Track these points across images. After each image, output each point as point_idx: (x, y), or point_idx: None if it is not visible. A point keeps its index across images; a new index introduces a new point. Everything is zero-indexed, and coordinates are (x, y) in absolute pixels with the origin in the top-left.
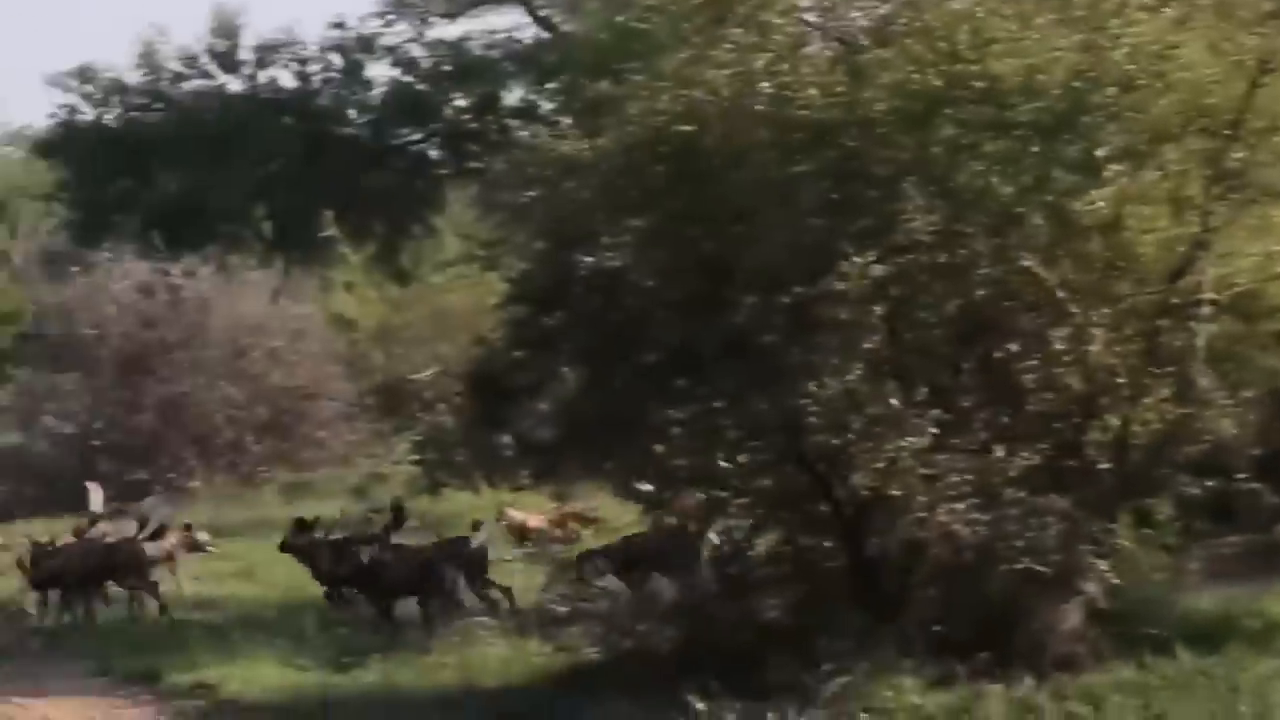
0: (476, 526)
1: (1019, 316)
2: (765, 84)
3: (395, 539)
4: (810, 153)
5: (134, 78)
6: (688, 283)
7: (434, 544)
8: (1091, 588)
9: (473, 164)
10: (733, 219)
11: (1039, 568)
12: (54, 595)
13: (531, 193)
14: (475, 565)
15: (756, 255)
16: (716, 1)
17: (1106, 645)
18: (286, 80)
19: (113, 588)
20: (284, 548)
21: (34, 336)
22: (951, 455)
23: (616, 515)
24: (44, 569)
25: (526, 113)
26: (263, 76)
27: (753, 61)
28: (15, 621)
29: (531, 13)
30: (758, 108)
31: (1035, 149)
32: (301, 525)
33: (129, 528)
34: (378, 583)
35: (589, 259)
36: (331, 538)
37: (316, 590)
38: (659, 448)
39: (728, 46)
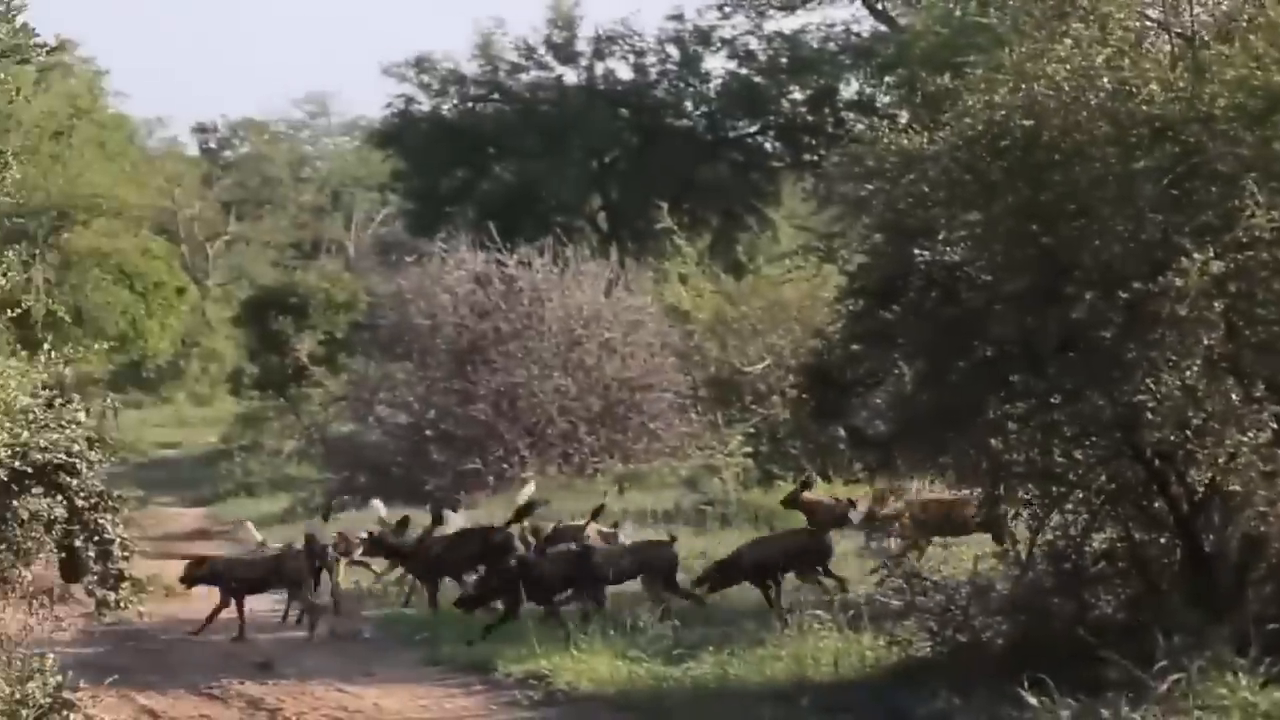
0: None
1: None
2: (1105, 79)
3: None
4: (1150, 148)
5: (471, 68)
6: (1025, 277)
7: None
8: None
9: (808, 156)
10: (1071, 214)
11: None
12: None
13: (870, 185)
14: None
15: (1095, 251)
16: None
17: None
18: (623, 72)
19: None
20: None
21: (368, 326)
22: None
23: None
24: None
25: (862, 106)
26: (599, 68)
27: (1093, 56)
28: (348, 611)
29: (869, 6)
30: (1097, 102)
31: None
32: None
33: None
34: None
35: (926, 253)
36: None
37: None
38: (995, 443)
39: (1068, 41)
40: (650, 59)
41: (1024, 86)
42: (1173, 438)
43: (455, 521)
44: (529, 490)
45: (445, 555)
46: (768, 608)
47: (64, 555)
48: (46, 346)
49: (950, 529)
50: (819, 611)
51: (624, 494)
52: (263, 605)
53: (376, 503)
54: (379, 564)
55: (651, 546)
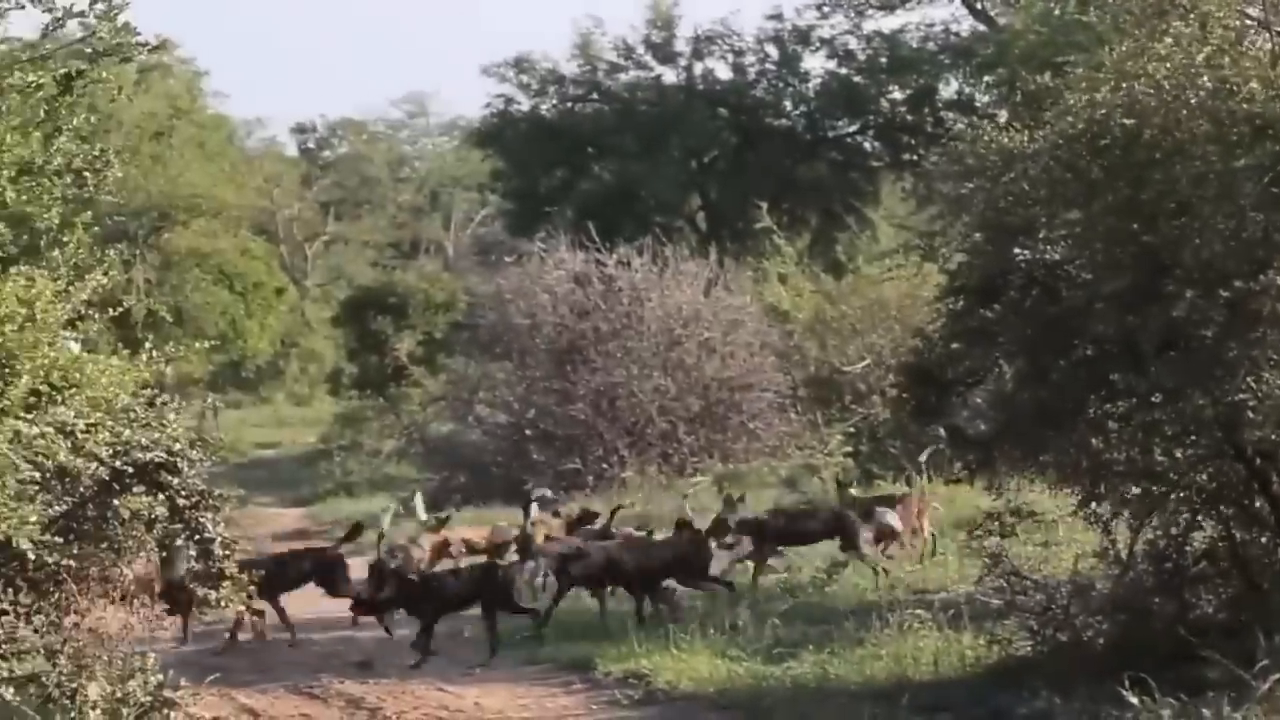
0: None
1: None
2: (1206, 77)
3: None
4: (1250, 146)
5: (570, 68)
6: (1126, 276)
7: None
8: None
9: (907, 156)
10: (1172, 212)
11: None
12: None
13: (970, 184)
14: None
15: (1195, 249)
16: None
17: None
18: (722, 72)
19: None
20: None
21: (467, 326)
22: None
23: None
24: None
25: (961, 105)
26: (698, 68)
27: (1194, 54)
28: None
29: (968, 5)
30: (1198, 101)
31: None
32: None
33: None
34: None
35: (1027, 251)
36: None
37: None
38: (1095, 442)
39: (1168, 39)
40: (749, 58)
41: (1124, 85)
42: (1274, 436)
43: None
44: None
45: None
46: (866, 606)
47: (164, 554)
48: (147, 346)
49: (796, 539)
50: (919, 611)
51: (723, 494)
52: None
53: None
54: None
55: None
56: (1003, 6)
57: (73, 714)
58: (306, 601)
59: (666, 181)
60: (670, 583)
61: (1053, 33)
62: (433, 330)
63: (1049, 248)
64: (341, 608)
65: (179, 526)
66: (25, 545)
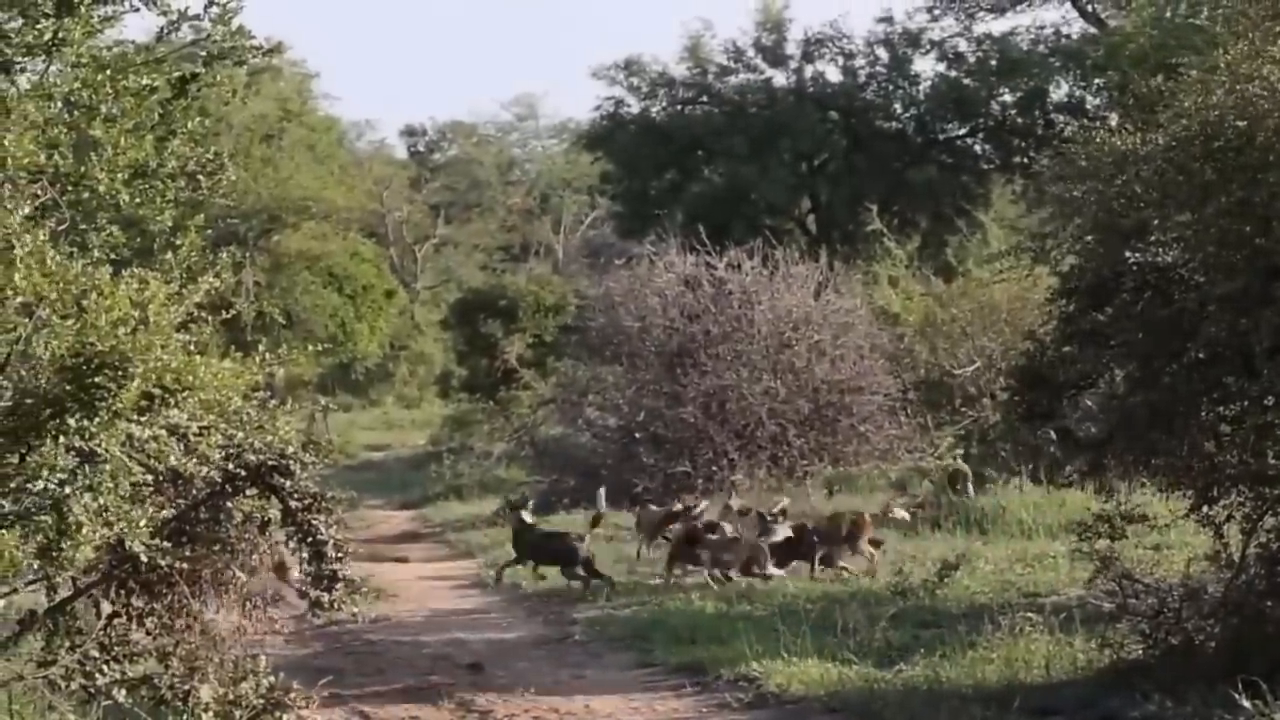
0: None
1: None
2: None
3: None
4: None
5: (679, 71)
6: (1238, 279)
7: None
8: None
9: (1017, 159)
10: None
11: None
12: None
13: (1082, 186)
14: None
15: None
16: None
17: None
18: (832, 74)
19: None
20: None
21: (577, 329)
22: None
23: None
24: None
25: (1072, 108)
26: (808, 70)
27: None
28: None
29: (1078, 8)
30: None
31: None
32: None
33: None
34: None
35: (1139, 254)
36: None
37: (860, 584)
38: (1208, 445)
39: None
40: (859, 61)
41: (1238, 87)
42: None
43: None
44: None
45: None
46: (977, 609)
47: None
48: (258, 349)
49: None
50: (1030, 614)
51: (833, 496)
52: (472, 604)
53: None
54: None
55: None
56: (1113, 9)
57: (185, 716)
58: (418, 602)
59: (776, 184)
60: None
61: (1164, 35)
62: (542, 333)
63: (1161, 250)
64: (453, 607)
65: (291, 529)
66: (138, 548)
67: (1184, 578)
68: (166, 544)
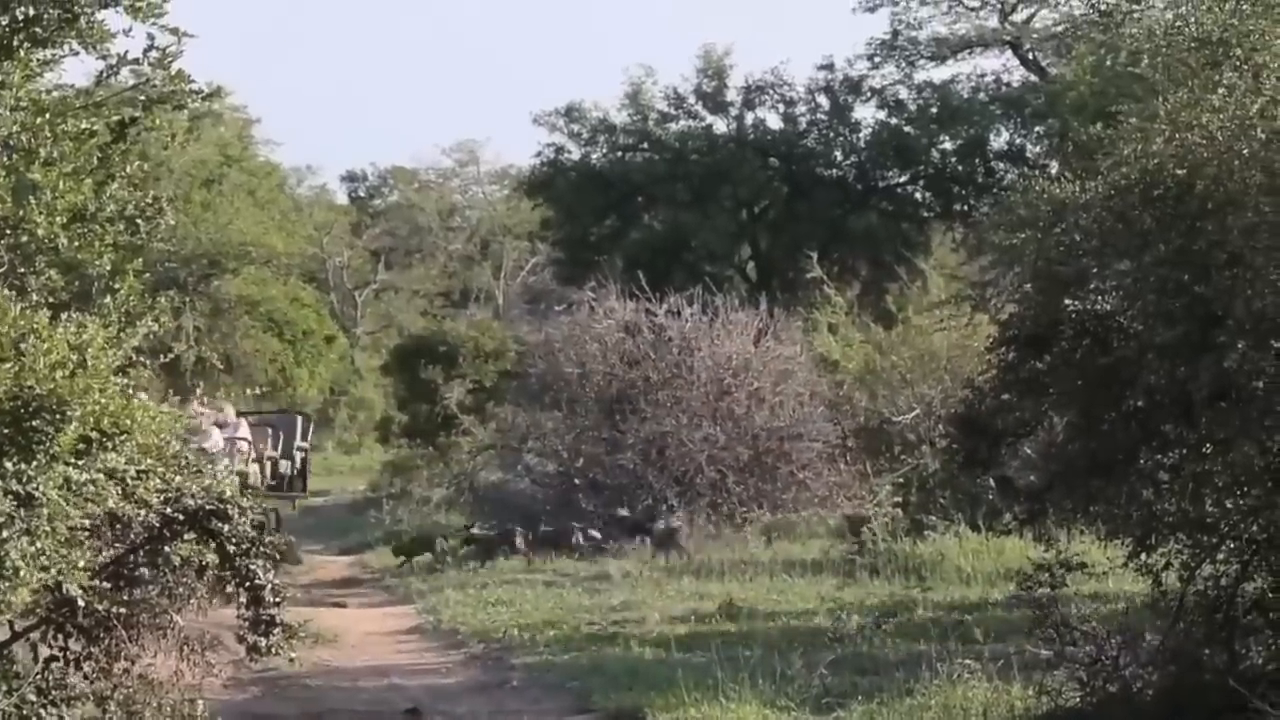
0: None
1: None
2: (1259, 128)
3: None
4: None
5: (620, 118)
6: (1177, 327)
7: None
8: None
9: (958, 206)
10: (1224, 263)
11: None
12: None
13: (1021, 234)
14: None
15: (1247, 300)
16: (1211, 44)
17: None
18: (773, 121)
19: None
20: None
21: (517, 375)
22: None
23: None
24: None
25: (1012, 156)
26: (749, 117)
27: (1247, 106)
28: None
29: (1019, 56)
30: (1250, 152)
31: None
32: None
33: None
34: None
35: (1078, 302)
36: None
37: (799, 628)
38: (1146, 492)
39: (1222, 90)
40: (800, 108)
41: (1178, 136)
42: None
43: None
44: None
45: None
46: (915, 656)
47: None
48: (197, 393)
49: None
50: (968, 661)
51: (771, 544)
52: (410, 649)
53: None
54: None
55: None
56: (1054, 57)
57: None
58: (356, 647)
59: (717, 231)
60: None
61: (1104, 83)
62: (483, 379)
63: (1100, 298)
64: (392, 653)
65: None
66: (75, 591)
67: (1122, 625)
68: (104, 587)
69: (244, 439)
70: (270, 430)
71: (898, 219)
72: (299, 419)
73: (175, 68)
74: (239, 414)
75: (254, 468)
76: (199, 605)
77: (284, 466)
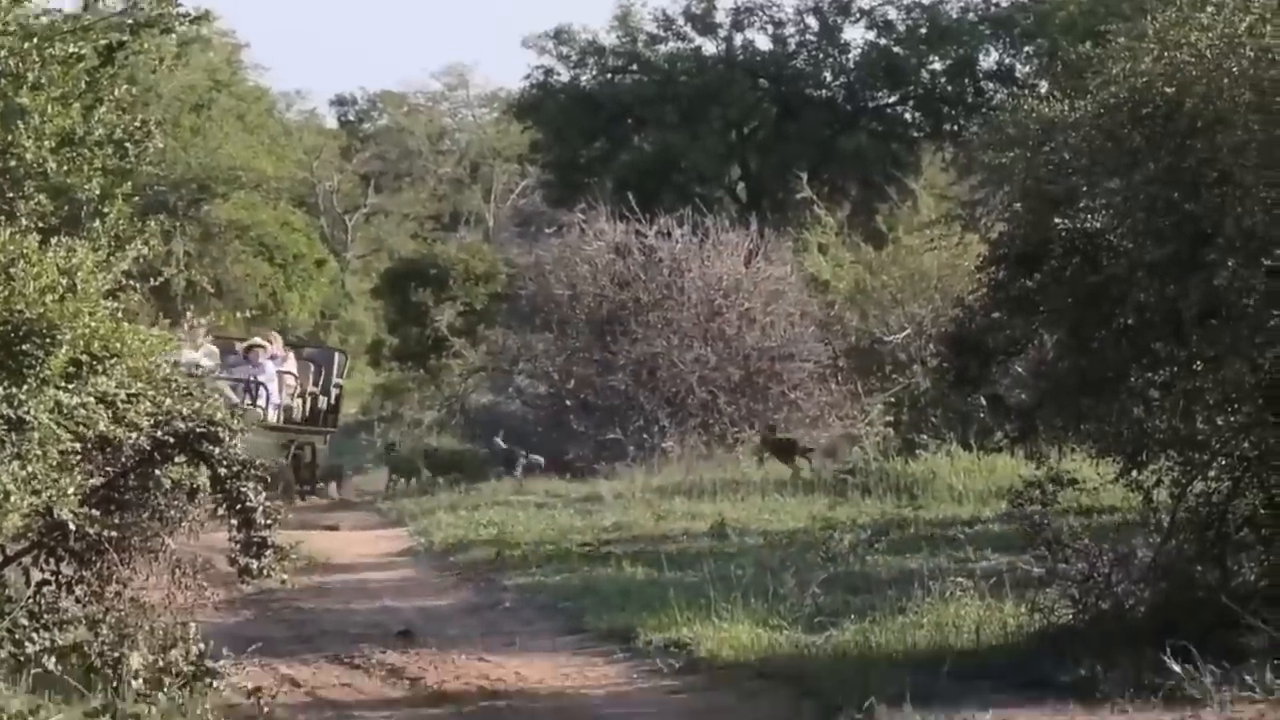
0: None
1: None
2: (1248, 46)
3: None
4: None
5: (610, 40)
6: (1167, 245)
7: None
8: None
9: (947, 126)
10: (1213, 181)
11: None
12: None
13: (1011, 154)
14: None
15: (1237, 218)
16: None
17: None
18: (762, 43)
19: None
20: None
21: (508, 297)
22: None
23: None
24: None
25: (1001, 76)
26: (738, 39)
27: (1236, 23)
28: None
29: None
30: (1240, 70)
31: None
32: None
33: None
34: None
35: (1068, 220)
36: None
37: (791, 547)
38: (1137, 410)
39: (1210, 8)
40: (789, 29)
41: (1166, 54)
42: None
43: None
44: None
45: None
46: (907, 574)
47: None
48: (188, 317)
49: None
50: (961, 579)
51: (763, 463)
52: (402, 572)
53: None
54: None
55: None
56: None
57: (115, 684)
58: (349, 570)
59: (706, 152)
60: None
61: (1093, 2)
62: (473, 302)
63: (1090, 217)
64: (384, 575)
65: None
66: (66, 515)
67: (1114, 543)
68: (95, 512)
69: (291, 372)
70: (312, 366)
71: (887, 139)
72: (337, 355)
73: None
74: (286, 345)
75: (297, 402)
76: (190, 528)
77: (321, 402)
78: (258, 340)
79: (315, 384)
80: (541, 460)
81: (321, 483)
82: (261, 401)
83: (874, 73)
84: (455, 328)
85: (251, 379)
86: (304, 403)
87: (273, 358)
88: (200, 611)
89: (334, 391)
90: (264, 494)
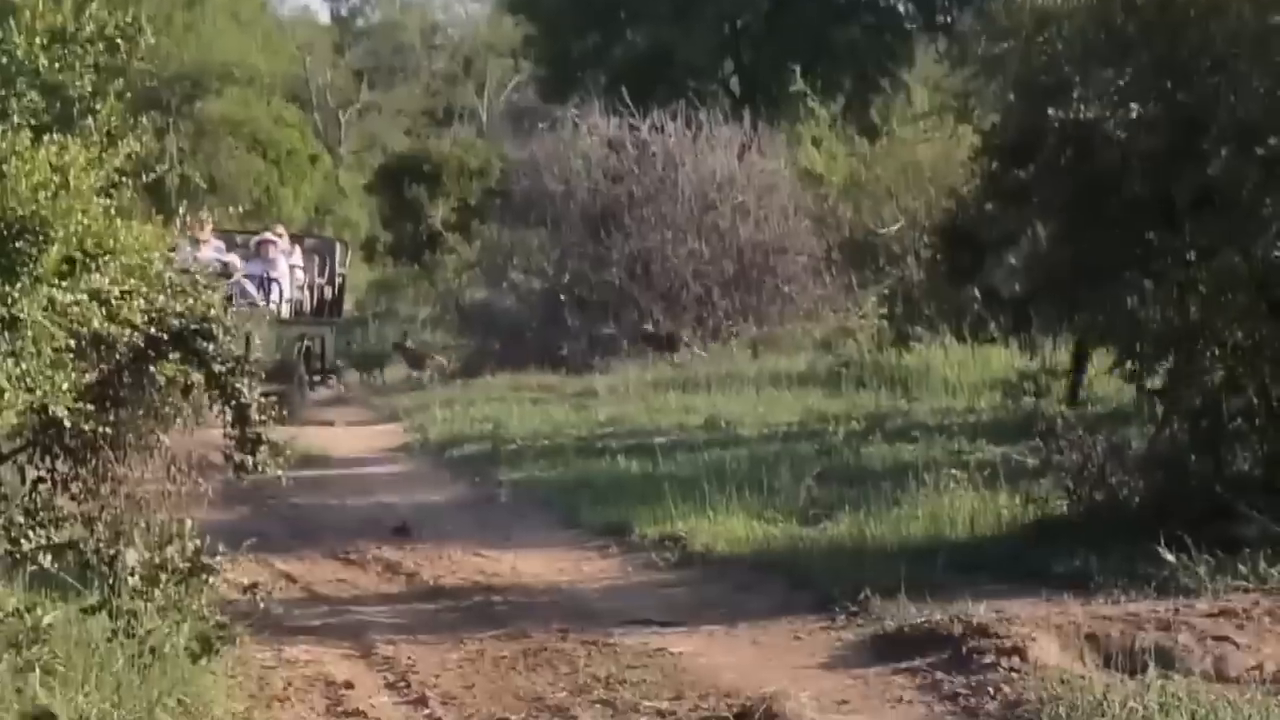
0: None
1: None
2: None
3: None
4: None
5: None
6: (1161, 134)
7: None
8: None
9: (941, 18)
10: (1207, 70)
11: None
12: None
13: (1004, 44)
14: None
15: (1231, 107)
16: None
17: None
18: None
19: None
20: None
21: (501, 193)
22: None
23: None
24: None
25: None
26: None
27: None
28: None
29: None
30: None
31: None
32: None
33: None
34: None
35: (1061, 111)
36: None
37: (785, 439)
38: (1130, 300)
39: None
40: None
41: None
42: None
43: None
44: None
45: None
46: (901, 466)
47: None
48: (181, 213)
49: None
50: (955, 471)
51: (758, 357)
52: (398, 468)
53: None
54: None
55: None
56: None
57: (111, 580)
58: (344, 466)
59: (699, 46)
60: None
61: None
62: (467, 197)
63: (1083, 107)
64: (379, 471)
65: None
66: (61, 412)
67: (1108, 433)
68: (90, 408)
69: (299, 265)
70: (316, 257)
71: (881, 32)
72: (338, 245)
73: None
74: (293, 238)
75: (305, 294)
76: (185, 424)
77: (326, 293)
78: (269, 235)
79: (321, 275)
80: (445, 362)
81: (332, 374)
82: (274, 296)
83: None
84: (449, 223)
85: (265, 274)
86: (311, 294)
87: (282, 252)
88: (196, 508)
89: (338, 281)
90: (270, 387)
